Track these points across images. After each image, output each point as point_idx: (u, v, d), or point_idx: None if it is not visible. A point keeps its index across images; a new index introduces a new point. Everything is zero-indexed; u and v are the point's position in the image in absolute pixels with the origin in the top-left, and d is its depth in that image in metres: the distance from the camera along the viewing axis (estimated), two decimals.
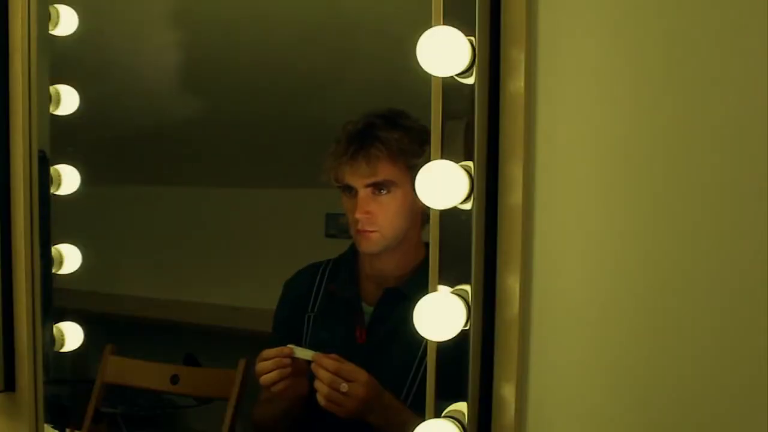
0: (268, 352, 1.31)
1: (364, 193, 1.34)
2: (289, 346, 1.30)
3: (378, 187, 1.33)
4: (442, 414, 0.99)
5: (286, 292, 1.50)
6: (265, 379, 1.31)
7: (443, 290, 0.99)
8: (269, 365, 1.31)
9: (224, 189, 1.80)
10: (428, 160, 0.99)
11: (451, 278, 0.99)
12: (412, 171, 1.29)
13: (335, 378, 1.26)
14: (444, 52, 0.93)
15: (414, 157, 1.31)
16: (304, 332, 1.42)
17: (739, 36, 0.85)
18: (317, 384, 1.27)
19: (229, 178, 1.81)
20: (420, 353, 1.25)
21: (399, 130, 1.33)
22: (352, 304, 1.40)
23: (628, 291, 0.92)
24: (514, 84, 0.96)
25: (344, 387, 1.25)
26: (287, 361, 1.30)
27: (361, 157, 1.33)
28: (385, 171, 1.33)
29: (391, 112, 1.36)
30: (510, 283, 0.97)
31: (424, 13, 0.99)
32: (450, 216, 0.98)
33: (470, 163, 0.96)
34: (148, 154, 1.74)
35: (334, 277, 1.44)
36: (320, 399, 1.26)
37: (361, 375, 1.26)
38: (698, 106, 0.88)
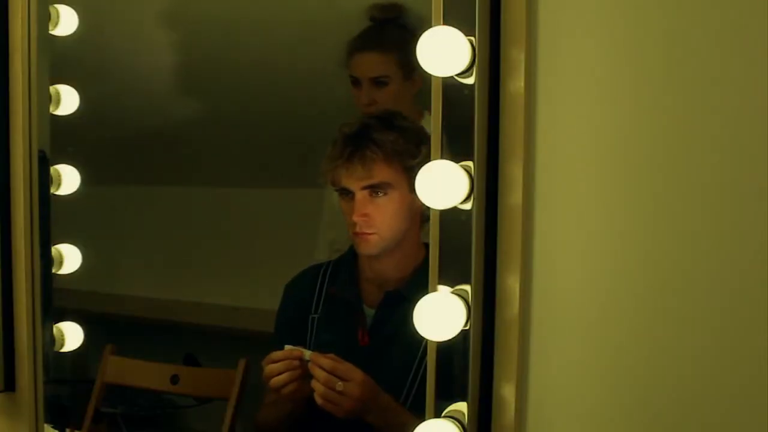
0: (276, 355, 1.31)
1: (360, 195, 1.33)
2: (298, 348, 1.30)
3: (374, 189, 1.33)
4: (442, 414, 0.99)
5: (288, 294, 1.49)
6: (275, 381, 1.30)
7: (443, 290, 0.99)
8: (280, 367, 1.30)
9: (224, 189, 1.80)
10: (425, 160, 0.99)
11: (451, 278, 0.99)
12: (409, 172, 1.30)
13: (331, 377, 1.26)
14: (444, 52, 0.93)
15: (410, 158, 1.31)
16: (309, 334, 1.42)
17: (739, 36, 0.85)
18: (314, 383, 1.27)
19: (229, 178, 1.81)
20: (420, 354, 1.25)
21: (394, 131, 1.33)
22: (354, 307, 1.40)
23: (628, 291, 0.92)
24: (514, 84, 0.96)
25: (339, 386, 1.25)
26: (297, 363, 1.29)
27: (357, 159, 1.33)
28: (381, 173, 1.32)
29: (386, 113, 1.36)
30: (510, 283, 0.97)
31: (424, 13, 0.99)
32: (450, 216, 0.98)
33: (470, 163, 0.96)
34: (148, 154, 1.75)
35: (334, 279, 1.44)
36: (317, 398, 1.27)
37: (356, 374, 1.26)
38: (698, 106, 0.88)
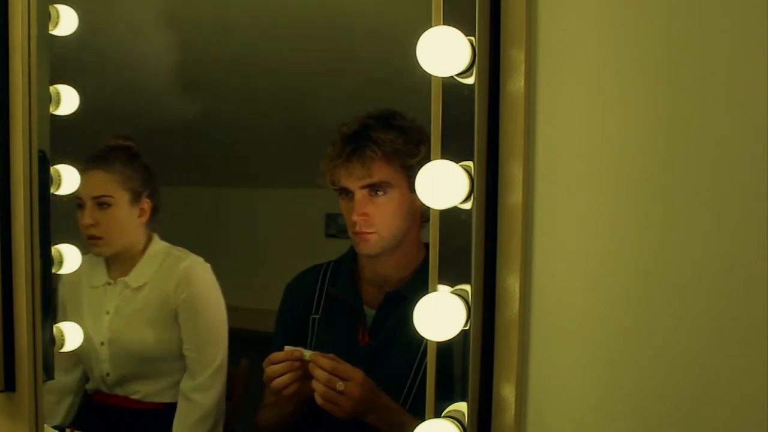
0: (276, 356, 1.31)
1: (360, 194, 1.34)
2: (298, 348, 1.31)
3: (374, 188, 1.33)
4: (442, 414, 0.99)
5: (289, 295, 1.50)
6: (277, 382, 1.30)
7: (443, 290, 0.99)
8: (281, 368, 1.30)
9: (224, 189, 1.80)
10: (425, 160, 0.99)
11: (451, 278, 0.99)
12: (408, 171, 1.30)
13: (331, 377, 1.26)
14: (444, 52, 0.93)
15: (409, 157, 1.31)
16: (309, 335, 1.42)
17: (740, 36, 0.85)
18: (314, 383, 1.27)
19: (229, 178, 1.81)
20: (420, 354, 1.25)
21: (393, 130, 1.33)
22: (354, 307, 1.40)
23: (628, 291, 0.92)
24: (514, 84, 0.96)
25: (340, 385, 1.25)
26: (298, 363, 1.30)
27: (356, 158, 1.33)
28: (381, 172, 1.33)
29: (385, 113, 1.36)
30: (510, 283, 0.97)
31: (424, 13, 0.99)
32: (450, 216, 0.98)
33: (470, 163, 0.96)
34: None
35: (334, 279, 1.44)
36: (317, 398, 1.27)
37: (356, 374, 1.27)
38: (699, 106, 0.88)
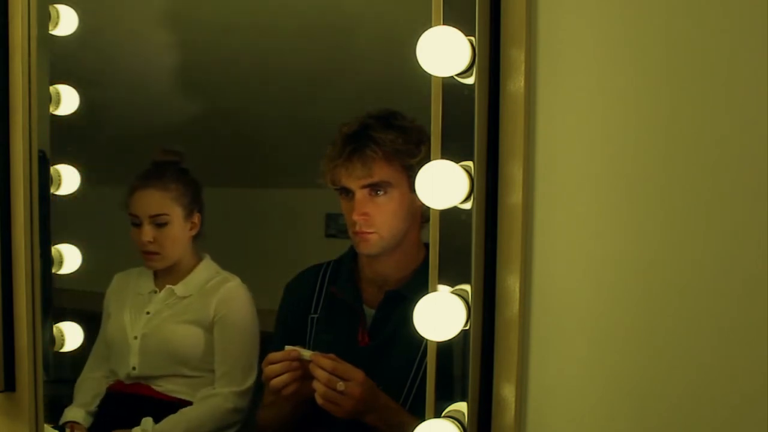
0: (275, 356, 1.31)
1: (360, 194, 1.34)
2: (296, 348, 1.31)
3: (374, 188, 1.33)
4: (442, 414, 0.99)
5: (289, 294, 1.50)
6: (276, 382, 1.30)
7: (443, 290, 0.99)
8: (279, 368, 1.30)
9: (224, 189, 1.80)
10: (425, 160, 0.99)
11: (451, 278, 0.99)
12: (409, 171, 1.30)
13: (332, 377, 1.26)
14: (444, 52, 0.93)
15: (410, 157, 1.31)
16: (308, 334, 1.42)
17: (741, 36, 0.85)
18: (315, 383, 1.27)
19: (229, 178, 1.81)
20: (420, 354, 1.25)
21: (394, 130, 1.33)
22: (354, 307, 1.40)
23: (628, 291, 0.92)
24: (514, 84, 0.96)
25: (341, 385, 1.25)
26: (296, 363, 1.30)
27: (356, 158, 1.33)
28: (381, 172, 1.33)
29: (385, 113, 1.36)
30: (510, 283, 0.97)
31: (424, 13, 0.99)
32: (450, 216, 0.98)
33: (470, 163, 0.96)
34: (148, 154, 1.75)
35: (334, 279, 1.44)
36: (318, 398, 1.27)
37: (357, 374, 1.27)
38: (699, 106, 0.88)
